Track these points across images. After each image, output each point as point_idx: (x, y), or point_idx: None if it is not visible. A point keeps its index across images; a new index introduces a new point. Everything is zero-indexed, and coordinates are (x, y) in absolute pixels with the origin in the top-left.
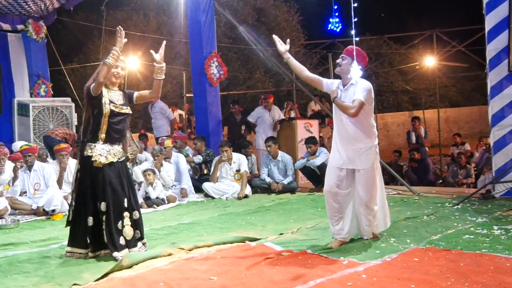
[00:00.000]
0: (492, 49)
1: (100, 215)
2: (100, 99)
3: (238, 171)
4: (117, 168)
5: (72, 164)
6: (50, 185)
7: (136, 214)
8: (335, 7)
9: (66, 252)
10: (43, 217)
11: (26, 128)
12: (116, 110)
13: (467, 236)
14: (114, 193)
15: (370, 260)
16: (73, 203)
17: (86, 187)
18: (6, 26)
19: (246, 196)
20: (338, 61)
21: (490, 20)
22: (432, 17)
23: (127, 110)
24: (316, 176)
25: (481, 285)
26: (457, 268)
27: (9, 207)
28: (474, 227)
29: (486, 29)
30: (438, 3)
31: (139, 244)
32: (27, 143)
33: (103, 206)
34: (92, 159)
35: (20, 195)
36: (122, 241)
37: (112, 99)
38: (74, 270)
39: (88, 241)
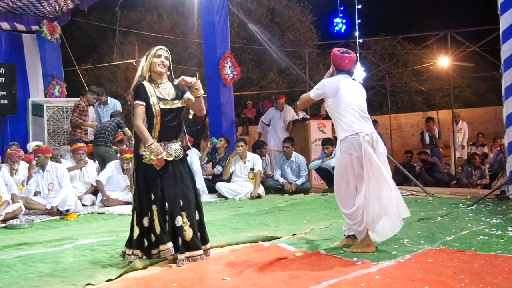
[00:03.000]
0: (507, 49)
1: (153, 214)
2: (148, 100)
3: (252, 169)
4: (170, 168)
5: (88, 164)
6: (64, 185)
7: (178, 220)
8: (341, 8)
9: (125, 254)
10: (57, 217)
11: (40, 128)
12: (167, 107)
13: (481, 237)
14: (163, 193)
15: (384, 261)
16: (134, 204)
17: (141, 186)
18: (21, 27)
19: (259, 196)
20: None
21: (505, 20)
22: (446, 17)
23: (179, 103)
24: (331, 177)
25: (495, 286)
26: (471, 269)
27: (23, 207)
28: (489, 228)
29: (501, 29)
30: (452, 3)
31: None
32: (40, 143)
33: (154, 206)
34: (143, 156)
35: (35, 195)
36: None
37: (162, 94)
38: (88, 270)
39: (146, 244)
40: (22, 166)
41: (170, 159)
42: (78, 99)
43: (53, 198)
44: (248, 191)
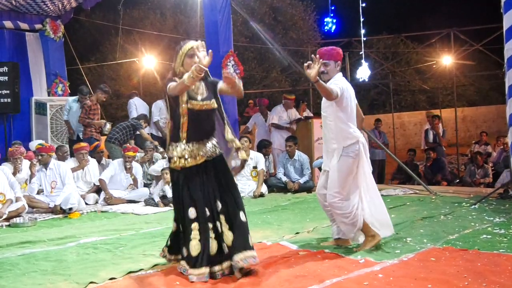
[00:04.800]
0: (510, 48)
1: (186, 223)
2: (177, 97)
3: (255, 168)
4: (201, 170)
5: (90, 163)
6: (67, 183)
7: (219, 225)
8: (332, 7)
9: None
10: (60, 215)
11: (43, 127)
12: (196, 108)
13: (484, 236)
14: (199, 199)
15: (387, 260)
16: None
17: (175, 190)
18: (24, 26)
19: (262, 195)
20: (321, 70)
21: (508, 19)
22: (449, 15)
23: (210, 105)
24: None
25: (498, 285)
26: (475, 268)
27: (26, 206)
28: (492, 227)
29: (504, 28)
30: (455, 1)
31: (224, 264)
32: (43, 142)
33: (192, 212)
34: (171, 160)
35: (38, 193)
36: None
37: (193, 94)
38: (91, 268)
39: (169, 243)
40: (25, 165)
41: (199, 162)
42: (90, 99)
43: (56, 196)
44: (251, 189)
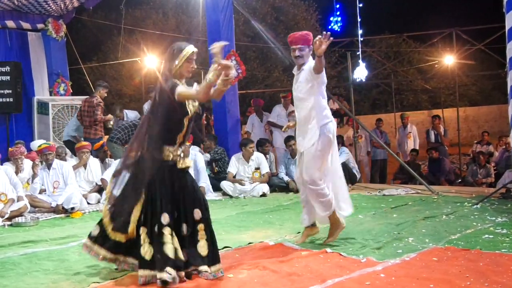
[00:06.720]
0: None
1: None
2: (184, 101)
3: (257, 169)
4: (180, 175)
5: (92, 163)
6: (69, 183)
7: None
8: (337, 6)
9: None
10: (62, 215)
11: (45, 126)
12: (195, 110)
13: (486, 235)
14: (171, 204)
15: (389, 259)
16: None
17: (157, 194)
18: (26, 25)
19: (264, 195)
20: (297, 54)
21: (511, 18)
22: (451, 15)
23: (199, 107)
24: None
25: (500, 285)
26: (477, 268)
27: (28, 205)
28: (494, 227)
29: (507, 27)
30: (457, 1)
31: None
32: (45, 141)
33: (165, 218)
34: (178, 165)
35: (40, 193)
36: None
37: None
38: (93, 268)
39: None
40: (27, 165)
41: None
42: (96, 97)
43: (59, 196)
44: (252, 188)
